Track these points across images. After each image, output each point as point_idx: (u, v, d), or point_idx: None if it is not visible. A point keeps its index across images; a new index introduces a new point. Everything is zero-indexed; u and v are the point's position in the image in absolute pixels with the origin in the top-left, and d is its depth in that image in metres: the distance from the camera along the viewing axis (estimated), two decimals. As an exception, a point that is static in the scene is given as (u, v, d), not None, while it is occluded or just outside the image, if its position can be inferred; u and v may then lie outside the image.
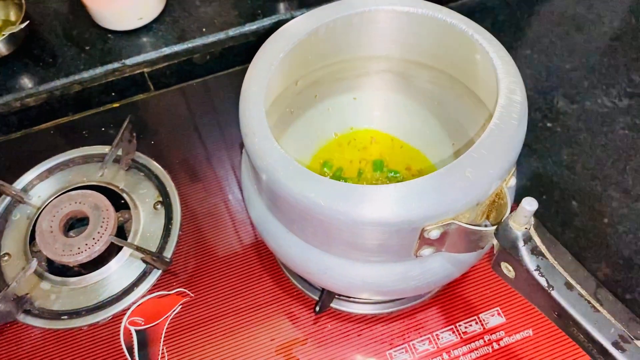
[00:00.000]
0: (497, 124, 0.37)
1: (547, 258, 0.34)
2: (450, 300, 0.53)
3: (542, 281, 0.34)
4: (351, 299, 0.52)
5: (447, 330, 0.51)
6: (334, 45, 0.49)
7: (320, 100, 0.56)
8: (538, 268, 0.34)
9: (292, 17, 0.49)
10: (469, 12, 0.81)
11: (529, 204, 0.33)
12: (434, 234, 0.37)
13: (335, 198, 0.36)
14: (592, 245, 0.60)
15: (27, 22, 0.66)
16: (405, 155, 0.56)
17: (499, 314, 0.52)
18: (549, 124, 0.69)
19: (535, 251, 0.34)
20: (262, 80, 0.42)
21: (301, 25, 0.45)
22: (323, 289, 0.50)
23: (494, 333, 0.51)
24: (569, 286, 0.33)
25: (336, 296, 0.52)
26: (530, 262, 0.34)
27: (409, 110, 0.56)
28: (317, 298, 0.51)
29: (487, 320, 0.52)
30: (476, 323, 0.52)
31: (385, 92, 0.56)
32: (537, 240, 0.34)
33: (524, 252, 0.34)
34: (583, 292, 0.33)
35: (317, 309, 0.49)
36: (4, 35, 0.65)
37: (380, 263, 0.42)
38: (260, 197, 0.45)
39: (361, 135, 0.58)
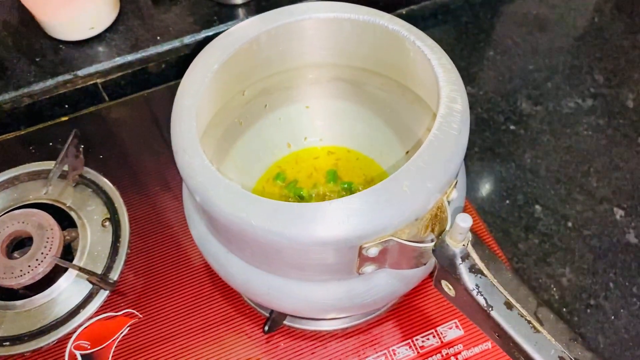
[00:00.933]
0: (436, 134, 0.36)
1: (486, 276, 0.32)
2: (407, 314, 0.51)
3: (481, 300, 0.32)
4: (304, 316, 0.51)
5: (404, 345, 0.50)
6: (279, 53, 0.48)
7: (271, 110, 0.54)
8: (477, 287, 0.32)
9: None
10: (431, 14, 0.80)
11: (463, 221, 0.31)
12: (373, 251, 0.35)
13: (267, 218, 0.34)
14: (557, 250, 0.59)
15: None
16: (360, 165, 0.55)
17: (457, 326, 0.50)
18: (512, 127, 0.68)
19: (473, 269, 0.33)
20: (194, 94, 0.40)
21: (238, 34, 0.44)
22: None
23: (452, 347, 0.50)
24: (509, 306, 0.32)
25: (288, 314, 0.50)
26: (468, 280, 0.33)
27: (361, 118, 0.54)
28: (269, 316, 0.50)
29: (445, 334, 0.50)
30: (434, 337, 0.50)
31: (337, 100, 0.54)
32: (476, 257, 0.33)
33: (462, 270, 0.33)
34: (523, 311, 0.32)
35: (266, 328, 0.48)
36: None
37: (323, 282, 0.40)
38: (199, 216, 0.43)
39: (315, 145, 0.56)
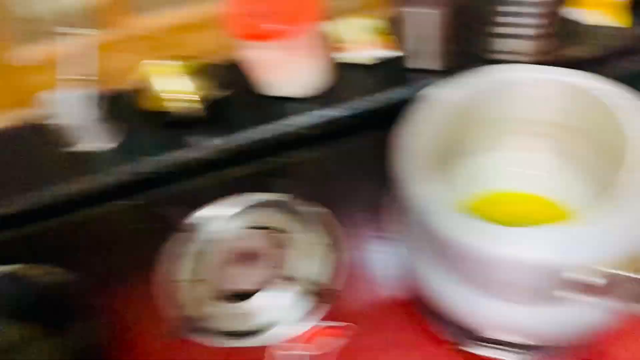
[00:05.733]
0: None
1: None
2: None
3: None
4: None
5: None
6: (485, 109, 0.57)
7: (467, 157, 0.61)
8: None
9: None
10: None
11: None
12: (596, 280, 0.40)
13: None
14: None
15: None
16: (553, 216, 0.59)
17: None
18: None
19: None
20: (420, 146, 0.50)
21: (456, 93, 0.54)
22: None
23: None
24: None
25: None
26: None
27: (559, 170, 0.60)
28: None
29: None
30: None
31: (533, 152, 0.61)
32: None
33: None
34: None
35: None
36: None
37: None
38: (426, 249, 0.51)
39: (508, 193, 0.62)
